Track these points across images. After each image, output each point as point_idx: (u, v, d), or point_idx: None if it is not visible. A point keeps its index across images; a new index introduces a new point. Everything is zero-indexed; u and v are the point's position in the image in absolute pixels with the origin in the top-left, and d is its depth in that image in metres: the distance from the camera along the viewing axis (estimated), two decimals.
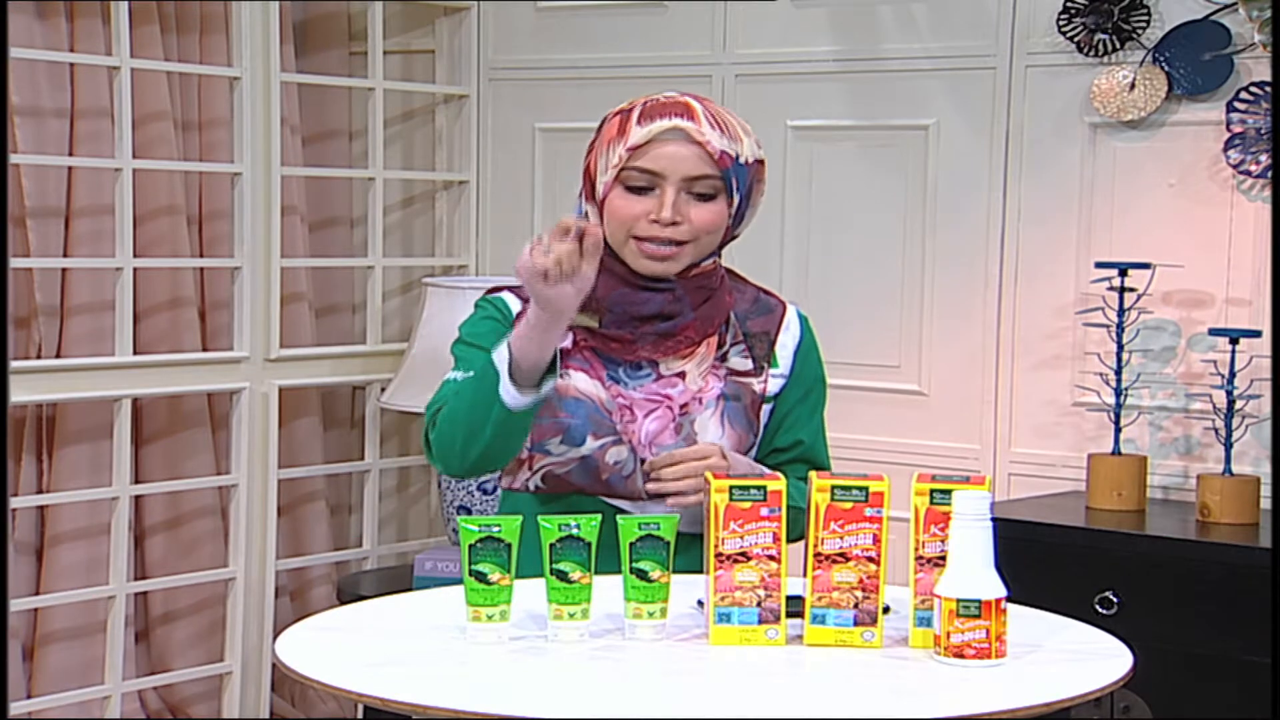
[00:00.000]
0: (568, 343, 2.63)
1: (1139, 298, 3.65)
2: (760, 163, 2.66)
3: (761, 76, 4.20)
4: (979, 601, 2.08)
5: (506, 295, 2.71)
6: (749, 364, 2.68)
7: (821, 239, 4.14)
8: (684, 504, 2.54)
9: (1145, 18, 3.71)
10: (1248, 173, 3.60)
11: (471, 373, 2.57)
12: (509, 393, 2.48)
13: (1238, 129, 3.60)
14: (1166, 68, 3.68)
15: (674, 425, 2.62)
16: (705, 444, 2.60)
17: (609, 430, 2.61)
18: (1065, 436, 3.85)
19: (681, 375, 2.65)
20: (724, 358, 2.68)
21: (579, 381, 2.63)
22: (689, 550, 2.45)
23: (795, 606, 2.21)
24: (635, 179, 2.60)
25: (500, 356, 2.49)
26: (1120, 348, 3.66)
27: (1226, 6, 3.61)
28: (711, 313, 2.67)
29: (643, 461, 2.60)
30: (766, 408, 2.69)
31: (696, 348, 2.66)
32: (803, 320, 2.77)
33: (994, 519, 2.13)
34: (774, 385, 2.70)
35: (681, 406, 2.64)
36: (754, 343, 2.70)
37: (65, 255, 4.10)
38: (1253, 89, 3.59)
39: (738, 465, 2.59)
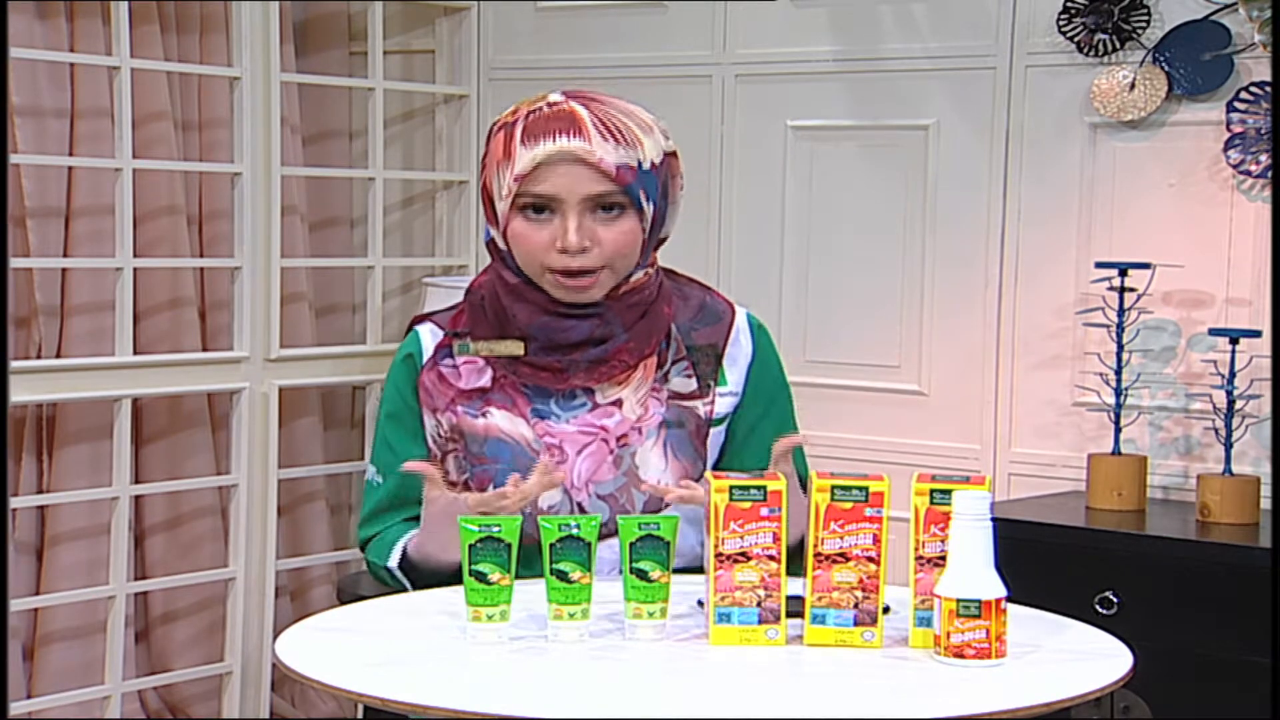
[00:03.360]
0: (486, 380, 2.50)
1: (1139, 298, 3.65)
2: (671, 155, 2.47)
3: (761, 76, 4.20)
4: (979, 601, 2.08)
5: (423, 329, 2.57)
6: (692, 384, 2.51)
7: (821, 239, 4.14)
8: None
9: (1145, 18, 3.71)
10: (1248, 173, 3.60)
11: (382, 480, 2.54)
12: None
13: (1238, 129, 3.60)
14: (1166, 68, 3.68)
15: (612, 459, 2.48)
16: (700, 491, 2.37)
17: None
18: (1065, 436, 3.85)
19: (618, 403, 2.49)
20: (665, 379, 2.51)
21: (500, 421, 2.48)
22: None
23: (795, 606, 2.21)
24: (531, 203, 2.42)
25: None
26: (1120, 348, 3.66)
27: (1226, 6, 3.61)
28: (648, 329, 2.49)
29: (579, 506, 2.45)
30: (716, 430, 2.53)
31: (633, 371, 2.50)
32: (754, 328, 2.59)
33: (994, 519, 2.12)
34: (723, 405, 2.53)
35: (619, 438, 2.47)
36: (699, 358, 2.52)
37: (65, 255, 4.10)
38: (1253, 89, 3.59)
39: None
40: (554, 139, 2.40)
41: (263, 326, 4.21)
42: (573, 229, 2.40)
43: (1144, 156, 3.75)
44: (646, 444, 2.49)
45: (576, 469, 2.48)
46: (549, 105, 2.45)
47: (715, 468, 2.54)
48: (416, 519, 2.50)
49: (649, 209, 2.46)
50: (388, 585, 2.54)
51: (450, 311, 2.59)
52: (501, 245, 2.51)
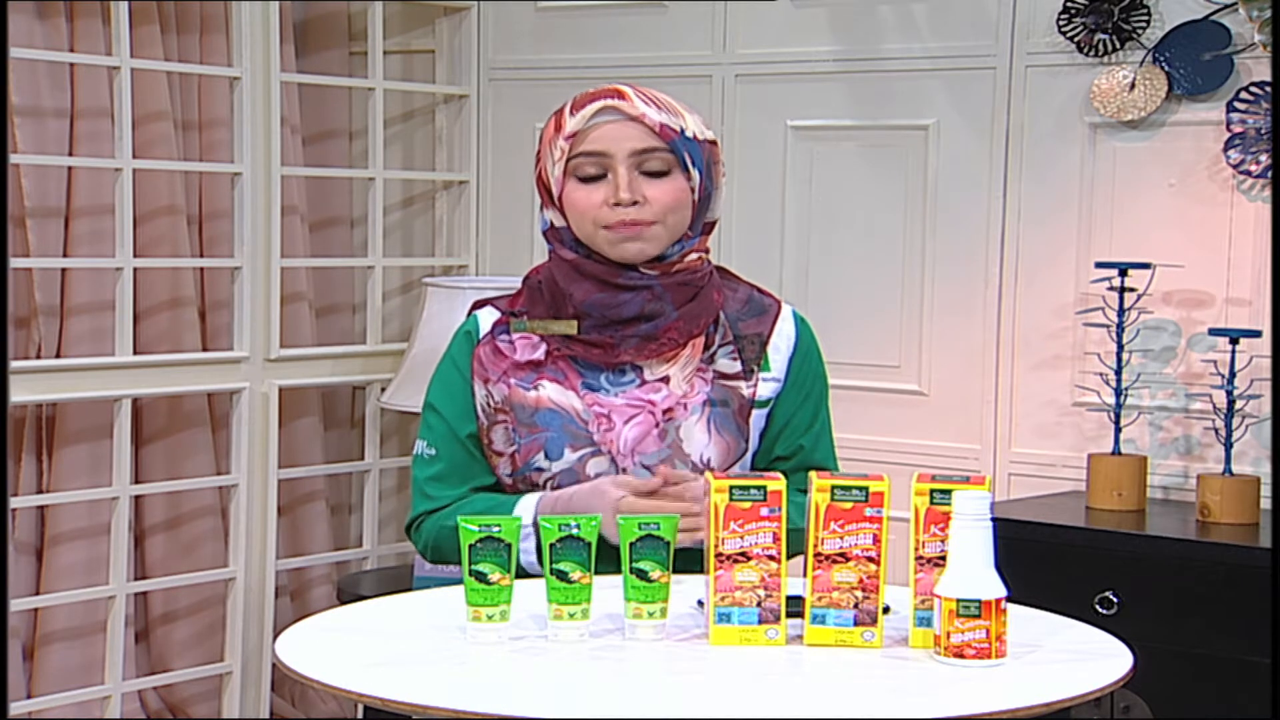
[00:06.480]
0: (539, 354, 2.61)
1: (1139, 298, 3.65)
2: (712, 143, 2.63)
3: (761, 76, 4.20)
4: (979, 601, 2.08)
5: (482, 312, 2.69)
6: (737, 367, 2.62)
7: (821, 239, 4.14)
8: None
9: (1145, 18, 3.71)
10: (1248, 173, 3.60)
11: (435, 452, 2.62)
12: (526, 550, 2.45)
13: (1238, 129, 3.60)
14: (1166, 68, 3.68)
15: (657, 431, 2.57)
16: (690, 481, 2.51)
17: (586, 441, 2.57)
18: (1065, 436, 3.85)
19: (665, 380, 2.60)
20: (711, 360, 2.62)
21: (552, 393, 2.59)
22: None
23: (795, 606, 2.21)
24: (584, 166, 2.57)
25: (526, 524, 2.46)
26: (1120, 348, 3.66)
27: (1226, 6, 3.61)
28: (697, 311, 2.61)
29: (624, 473, 2.55)
30: (758, 413, 2.63)
31: (681, 349, 2.61)
32: (798, 321, 2.70)
33: (994, 519, 2.13)
34: (765, 390, 2.64)
35: (665, 412, 2.58)
36: (744, 344, 2.64)
37: (65, 255, 4.10)
38: (1253, 89, 3.59)
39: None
40: (600, 100, 2.57)
41: (263, 326, 4.21)
42: (624, 184, 2.55)
43: (1144, 156, 3.75)
44: (691, 419, 2.59)
45: (623, 437, 2.57)
46: (594, 87, 2.62)
47: (754, 453, 2.65)
48: (486, 489, 2.61)
49: (695, 175, 2.59)
50: (450, 563, 2.58)
51: (508, 296, 2.71)
52: (559, 222, 2.62)
